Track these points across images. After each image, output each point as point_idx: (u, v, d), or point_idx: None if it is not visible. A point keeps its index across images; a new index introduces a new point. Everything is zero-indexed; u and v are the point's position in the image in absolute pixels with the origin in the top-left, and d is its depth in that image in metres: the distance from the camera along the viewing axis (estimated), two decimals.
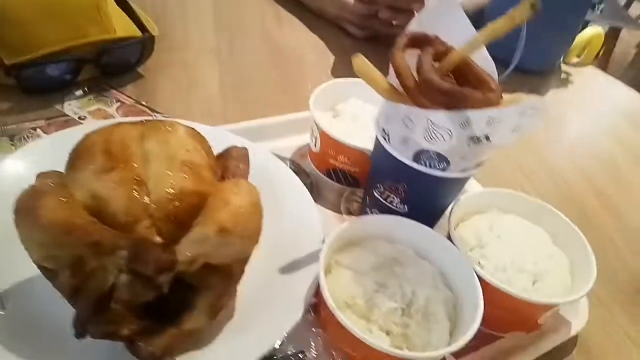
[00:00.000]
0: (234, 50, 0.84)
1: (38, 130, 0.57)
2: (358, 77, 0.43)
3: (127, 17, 0.70)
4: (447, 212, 0.51)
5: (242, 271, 0.41)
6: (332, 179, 0.61)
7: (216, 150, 0.47)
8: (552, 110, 0.90)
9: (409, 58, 0.41)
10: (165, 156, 0.39)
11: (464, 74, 0.43)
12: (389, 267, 0.45)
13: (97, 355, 0.37)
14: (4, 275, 0.41)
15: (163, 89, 0.70)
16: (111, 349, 0.37)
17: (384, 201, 0.49)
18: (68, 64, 0.62)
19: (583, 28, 1.04)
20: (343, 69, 0.82)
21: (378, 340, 0.39)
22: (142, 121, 0.43)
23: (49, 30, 0.59)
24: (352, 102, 0.63)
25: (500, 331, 0.49)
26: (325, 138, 0.57)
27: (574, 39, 0.99)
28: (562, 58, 1.02)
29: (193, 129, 0.44)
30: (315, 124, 0.58)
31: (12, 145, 0.55)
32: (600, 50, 1.08)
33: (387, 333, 0.42)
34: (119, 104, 0.64)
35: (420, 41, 0.42)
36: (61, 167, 0.39)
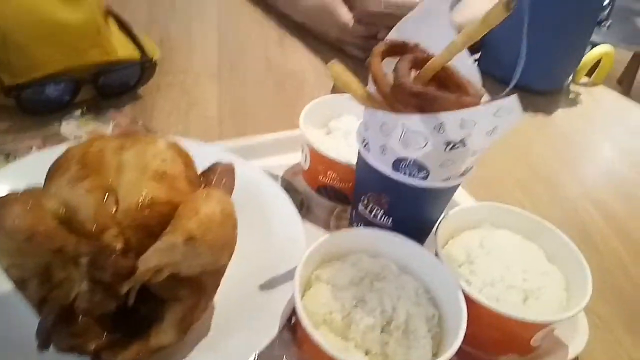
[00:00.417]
0: (235, 73, 0.86)
1: (34, 148, 0.58)
2: None
3: (130, 41, 0.72)
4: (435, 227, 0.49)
5: (216, 285, 0.40)
6: (322, 196, 0.60)
7: (205, 166, 0.47)
8: (560, 129, 0.89)
9: (387, 65, 0.41)
10: (139, 166, 0.39)
11: (445, 82, 0.43)
12: (370, 281, 0.44)
13: None
14: None
15: (161, 110, 0.72)
16: None
17: (368, 215, 0.48)
18: (67, 85, 0.64)
19: (593, 47, 1.02)
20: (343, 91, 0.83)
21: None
22: (125, 135, 0.44)
23: (49, 53, 0.61)
24: (344, 119, 0.63)
25: (491, 354, 0.46)
26: (314, 154, 0.57)
27: (581, 58, 0.98)
28: (570, 78, 1.00)
29: (175, 142, 0.44)
30: (305, 140, 0.58)
31: (8, 162, 0.56)
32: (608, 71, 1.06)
33: (366, 352, 0.40)
34: (115, 123, 0.65)
35: (399, 49, 0.42)
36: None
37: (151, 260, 0.34)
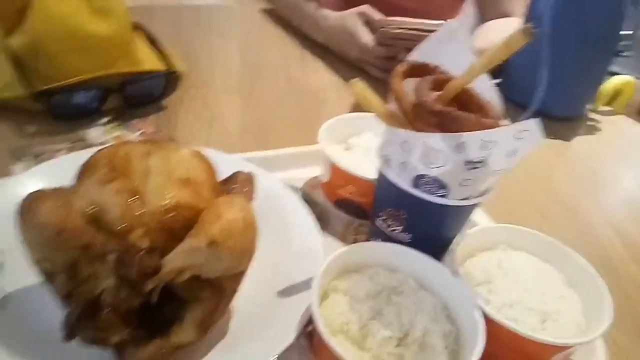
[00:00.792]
0: (256, 89, 0.87)
1: (60, 153, 0.60)
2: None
3: (156, 54, 0.75)
4: (453, 244, 0.49)
5: (235, 290, 0.41)
6: (341, 209, 0.60)
7: (226, 175, 0.48)
8: (579, 155, 0.89)
9: (408, 86, 0.42)
10: (165, 171, 0.40)
11: (466, 103, 0.43)
12: (387, 295, 0.44)
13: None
14: (9, 278, 0.42)
15: (184, 121, 0.73)
16: (103, 354, 0.37)
17: (386, 230, 0.49)
18: (94, 93, 0.66)
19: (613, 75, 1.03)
20: (362, 107, 0.84)
21: None
22: (150, 141, 0.45)
23: (78, 62, 0.63)
24: (364, 136, 0.63)
25: None
26: (335, 169, 0.58)
27: (599, 86, 0.98)
28: (590, 106, 1.00)
29: (198, 151, 0.45)
30: (325, 154, 0.58)
31: (36, 164, 0.57)
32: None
33: None
34: (140, 132, 0.67)
35: (420, 70, 0.43)
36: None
37: (175, 261, 0.35)
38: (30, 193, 0.36)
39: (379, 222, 0.49)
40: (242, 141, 0.73)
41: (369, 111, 0.45)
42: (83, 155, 0.42)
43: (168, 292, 0.37)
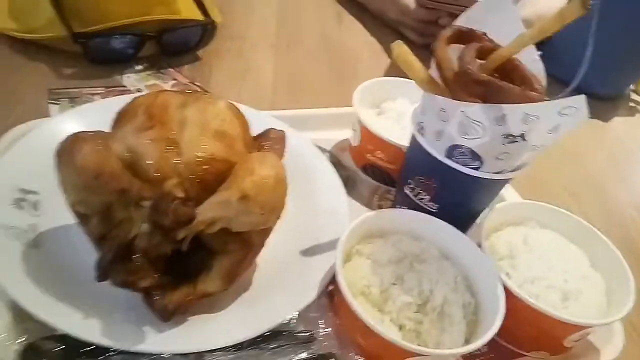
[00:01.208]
0: (291, 46, 0.86)
1: (96, 97, 0.61)
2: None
3: (194, 3, 0.74)
4: (480, 218, 0.49)
5: (262, 244, 0.42)
6: (367, 174, 0.60)
7: (256, 132, 0.48)
8: (616, 136, 0.86)
9: (453, 52, 0.41)
10: (201, 123, 0.40)
11: (510, 74, 0.42)
12: (410, 262, 0.44)
13: (118, 301, 0.39)
14: (43, 217, 0.44)
15: (217, 74, 0.73)
16: (131, 297, 0.38)
17: (414, 198, 0.48)
18: (131, 39, 0.66)
19: None
20: (397, 71, 0.82)
21: (389, 332, 0.38)
22: (187, 92, 0.45)
23: (118, 5, 0.63)
24: (398, 101, 0.62)
25: (523, 349, 0.46)
26: (365, 132, 0.57)
27: None
28: (632, 86, 0.96)
29: (233, 104, 0.45)
30: (357, 117, 0.58)
31: (72, 106, 0.58)
32: None
33: (400, 327, 0.41)
34: (174, 81, 0.67)
35: (466, 36, 0.42)
36: (108, 129, 0.41)
37: (208, 212, 0.36)
38: (70, 135, 0.36)
39: (407, 189, 0.49)
40: (274, 96, 0.72)
41: (407, 76, 0.44)
42: (119, 101, 0.43)
43: (197, 242, 0.38)
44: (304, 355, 0.39)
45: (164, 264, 0.38)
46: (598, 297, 0.46)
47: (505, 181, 0.46)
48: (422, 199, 0.48)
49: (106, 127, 0.40)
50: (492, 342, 0.41)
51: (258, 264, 0.44)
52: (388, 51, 0.89)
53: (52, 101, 0.57)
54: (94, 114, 0.51)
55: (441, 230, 0.47)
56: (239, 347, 0.38)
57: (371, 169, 0.60)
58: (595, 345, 0.47)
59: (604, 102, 0.90)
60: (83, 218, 0.37)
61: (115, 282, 0.37)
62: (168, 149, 0.37)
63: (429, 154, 0.44)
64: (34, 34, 0.65)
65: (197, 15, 0.72)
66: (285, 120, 0.59)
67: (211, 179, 0.38)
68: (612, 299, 0.46)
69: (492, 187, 0.46)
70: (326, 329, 0.41)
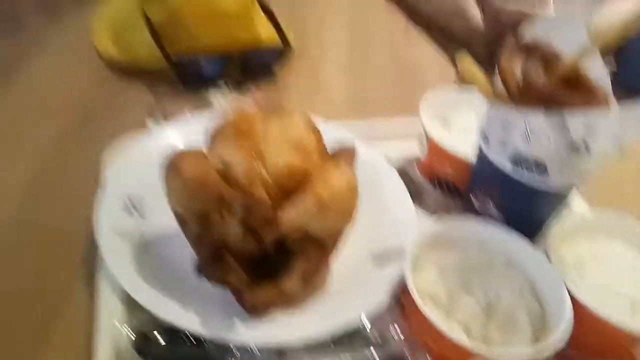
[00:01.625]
0: (361, 63, 0.90)
1: (187, 114, 0.68)
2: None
3: (272, 26, 0.80)
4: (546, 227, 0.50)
5: (335, 247, 0.46)
6: (435, 187, 0.62)
7: (328, 142, 0.52)
8: None
9: (516, 62, 0.43)
10: (281, 136, 0.45)
11: (574, 84, 0.43)
12: (477, 270, 0.46)
13: (214, 297, 0.44)
14: (149, 224, 0.50)
15: (292, 90, 0.79)
16: (224, 294, 0.43)
17: (480, 207, 0.50)
18: (219, 63, 0.73)
19: None
20: (462, 83, 0.84)
21: (458, 335, 0.40)
22: (266, 109, 0.50)
23: (208, 33, 0.71)
24: (464, 113, 0.64)
25: (589, 358, 0.47)
26: (434, 147, 0.59)
27: None
28: None
29: (309, 118, 0.50)
30: (425, 130, 0.60)
31: (168, 122, 0.66)
32: None
33: (467, 332, 0.43)
34: (255, 99, 0.74)
35: (530, 47, 0.43)
36: (200, 140, 0.47)
37: (294, 219, 0.40)
38: (175, 151, 0.43)
39: (473, 199, 0.51)
40: (344, 111, 0.77)
41: (472, 87, 0.46)
42: (208, 116, 0.49)
43: (278, 244, 0.43)
44: (376, 356, 0.42)
45: (250, 264, 0.43)
46: None
47: (571, 191, 0.46)
48: (488, 208, 0.50)
49: (198, 139, 0.46)
50: (558, 351, 0.42)
51: (331, 268, 0.48)
52: (454, 64, 0.91)
53: (152, 117, 0.66)
54: (187, 128, 0.59)
55: (508, 239, 0.48)
56: (315, 345, 0.42)
57: (439, 182, 0.62)
58: None
59: None
60: (183, 221, 0.43)
61: (210, 280, 0.42)
62: (255, 160, 0.43)
63: (493, 164, 0.46)
64: (136, 60, 0.74)
65: (275, 39, 0.79)
66: (354, 131, 0.63)
67: (290, 187, 0.43)
68: None
69: (557, 197, 0.47)
70: (397, 332, 0.44)
